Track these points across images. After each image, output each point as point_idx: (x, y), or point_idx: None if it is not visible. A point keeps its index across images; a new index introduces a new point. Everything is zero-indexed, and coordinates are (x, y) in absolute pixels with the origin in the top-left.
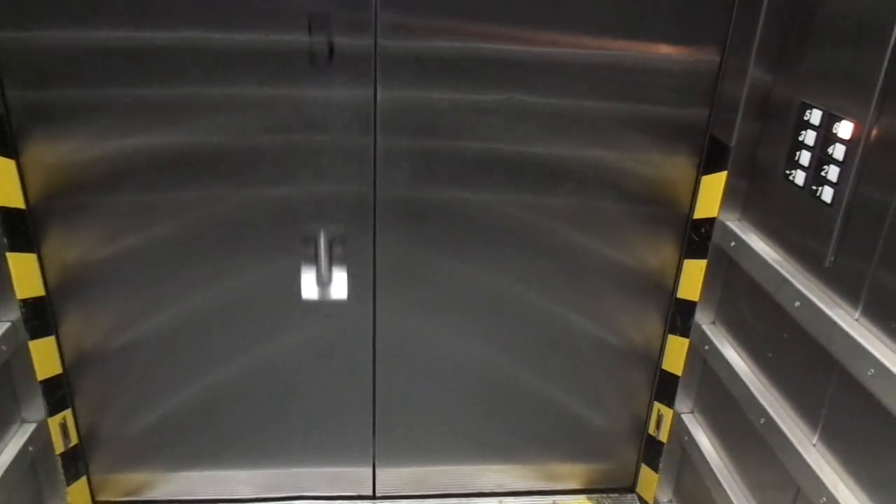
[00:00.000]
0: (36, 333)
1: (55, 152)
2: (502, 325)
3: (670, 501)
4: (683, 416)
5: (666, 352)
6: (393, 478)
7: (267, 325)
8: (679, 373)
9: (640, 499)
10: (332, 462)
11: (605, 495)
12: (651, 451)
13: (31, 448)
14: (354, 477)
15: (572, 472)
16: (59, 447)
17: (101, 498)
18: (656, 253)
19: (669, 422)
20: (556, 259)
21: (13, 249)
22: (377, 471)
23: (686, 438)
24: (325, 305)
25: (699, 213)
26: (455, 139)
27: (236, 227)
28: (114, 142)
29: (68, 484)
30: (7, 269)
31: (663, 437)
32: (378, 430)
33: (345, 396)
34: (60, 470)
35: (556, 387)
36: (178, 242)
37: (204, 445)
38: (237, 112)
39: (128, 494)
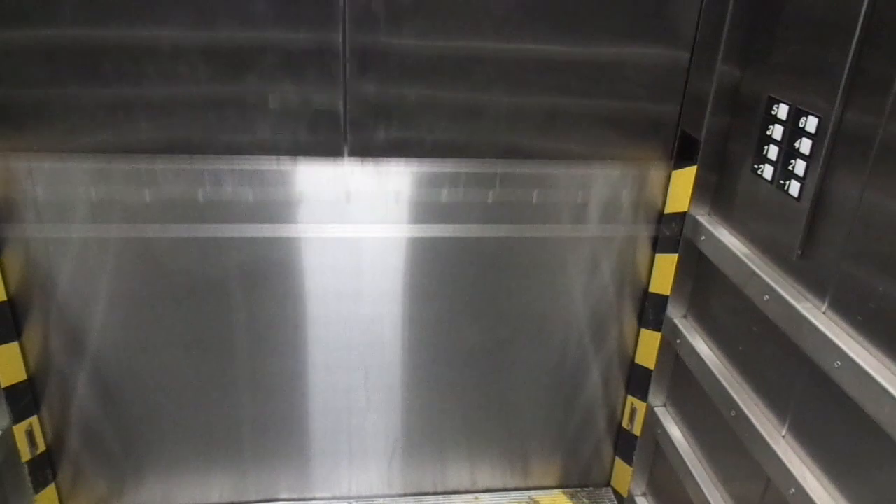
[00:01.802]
0: None
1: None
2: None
3: (644, 494)
4: (656, 410)
5: (639, 346)
6: (366, 477)
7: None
8: (652, 366)
9: (615, 492)
10: (306, 462)
11: (580, 489)
12: (625, 445)
13: None
14: (327, 476)
15: (548, 468)
16: (25, 455)
17: (73, 501)
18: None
19: (643, 415)
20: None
21: None
22: (350, 470)
23: (659, 431)
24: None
25: (670, 208)
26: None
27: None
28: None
29: (36, 492)
30: None
31: (637, 430)
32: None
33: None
34: (28, 478)
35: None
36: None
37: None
38: None
39: (98, 502)
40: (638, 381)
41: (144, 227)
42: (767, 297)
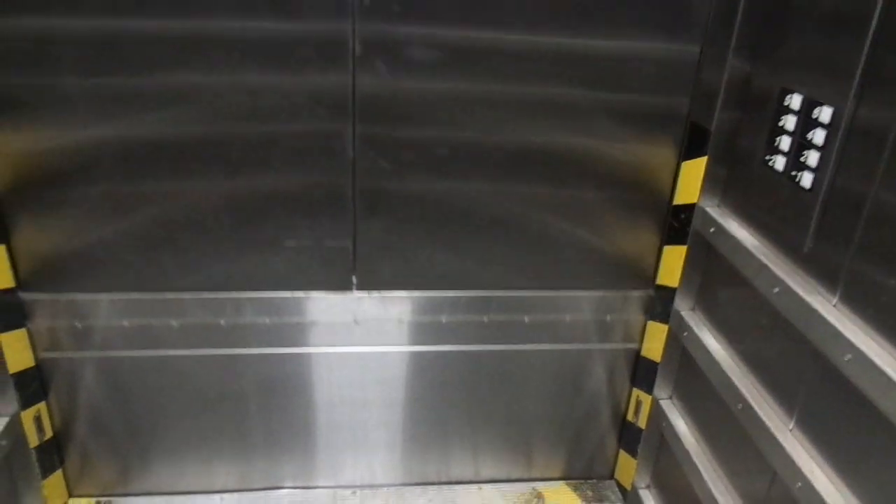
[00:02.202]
0: (6, 326)
1: (21, 141)
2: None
3: (648, 487)
4: (662, 403)
5: (645, 338)
6: (370, 466)
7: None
8: (658, 359)
9: (619, 485)
10: (311, 451)
11: (584, 481)
12: (629, 438)
13: (3, 442)
14: (332, 465)
15: (552, 460)
16: (33, 440)
17: (78, 492)
18: (637, 239)
19: (648, 408)
20: (536, 246)
21: None
22: (355, 459)
23: (664, 424)
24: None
25: (679, 199)
26: (431, 129)
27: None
28: (82, 132)
29: (44, 477)
30: None
31: (642, 423)
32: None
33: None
34: (35, 463)
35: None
36: (151, 233)
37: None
38: (211, 100)
39: (105, 488)
40: (644, 373)
41: (170, 349)
42: (777, 289)
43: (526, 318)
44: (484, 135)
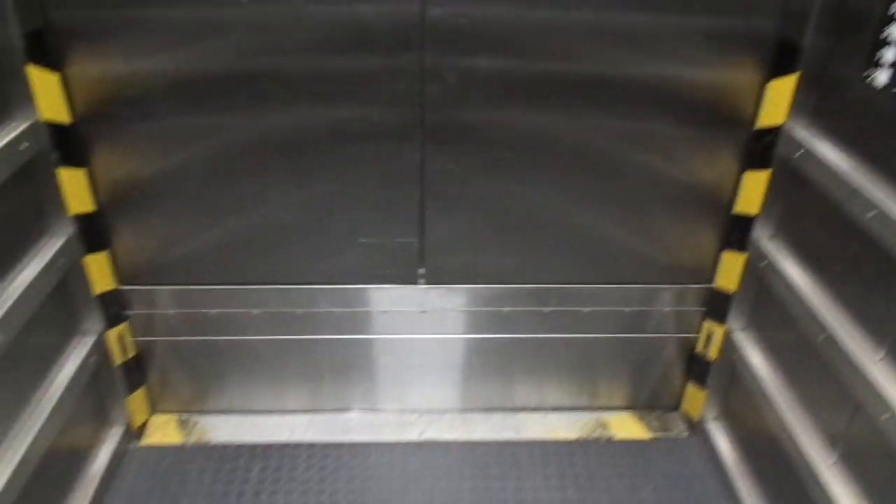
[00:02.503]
0: (90, 248)
1: (101, 66)
2: (548, 241)
3: (717, 419)
4: (735, 335)
5: (719, 268)
6: (434, 392)
7: (323, 245)
8: (733, 289)
9: (686, 416)
10: (378, 376)
11: (649, 412)
12: (698, 370)
13: (91, 360)
14: (398, 390)
15: (617, 390)
16: (117, 359)
17: (160, 409)
18: (713, 166)
19: (720, 340)
20: (606, 173)
21: (63, 164)
22: (421, 385)
23: (736, 357)
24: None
25: (763, 122)
26: (508, 57)
27: (288, 144)
28: (162, 56)
29: (128, 394)
30: (58, 184)
31: (712, 355)
32: (425, 278)
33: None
34: (120, 381)
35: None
36: (230, 157)
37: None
38: (286, 29)
39: (183, 404)
40: (717, 304)
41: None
42: (871, 214)
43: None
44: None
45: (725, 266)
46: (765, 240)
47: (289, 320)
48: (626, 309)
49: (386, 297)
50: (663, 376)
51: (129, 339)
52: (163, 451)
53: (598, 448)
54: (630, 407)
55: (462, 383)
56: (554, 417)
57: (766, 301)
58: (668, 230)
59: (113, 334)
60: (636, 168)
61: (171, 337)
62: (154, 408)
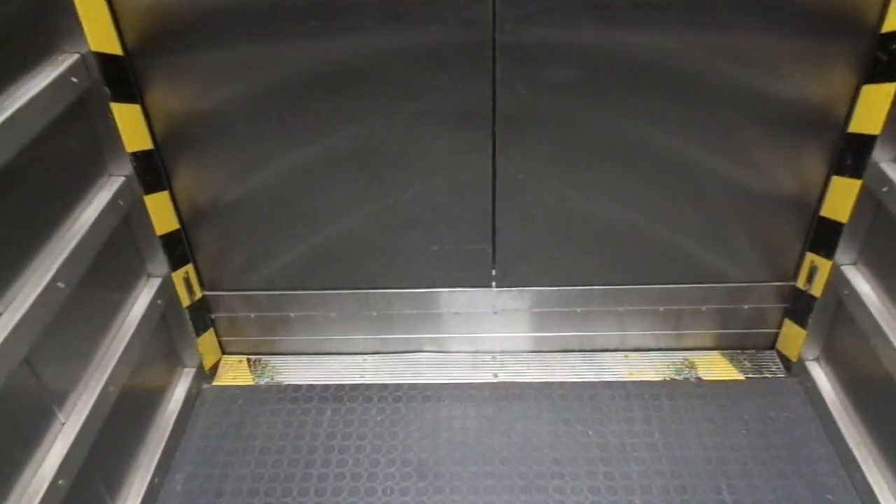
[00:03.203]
0: (150, 188)
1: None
2: (635, 169)
3: (817, 359)
4: (844, 268)
5: (828, 195)
6: (510, 332)
7: (383, 175)
8: (844, 219)
9: (781, 356)
10: (449, 316)
11: (741, 352)
12: (799, 307)
13: (159, 301)
14: (471, 330)
15: (706, 328)
16: (185, 300)
17: (230, 350)
18: (826, 81)
19: (826, 274)
20: (703, 90)
21: (117, 100)
22: (493, 325)
23: (846, 292)
24: (441, 157)
25: (889, 27)
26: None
27: (347, 75)
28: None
29: (198, 335)
30: (113, 121)
31: (816, 291)
32: (496, 281)
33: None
34: (189, 322)
35: (691, 234)
36: (287, 90)
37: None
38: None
39: (252, 346)
40: (823, 235)
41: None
42: None
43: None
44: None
45: (835, 193)
46: (885, 162)
47: (365, 322)
48: (716, 240)
49: (460, 299)
50: (756, 313)
51: (195, 282)
52: (235, 391)
53: (685, 389)
54: (719, 347)
55: (537, 327)
56: (637, 357)
57: (884, 231)
58: (771, 150)
59: (179, 276)
60: (735, 82)
61: (237, 266)
62: (225, 349)
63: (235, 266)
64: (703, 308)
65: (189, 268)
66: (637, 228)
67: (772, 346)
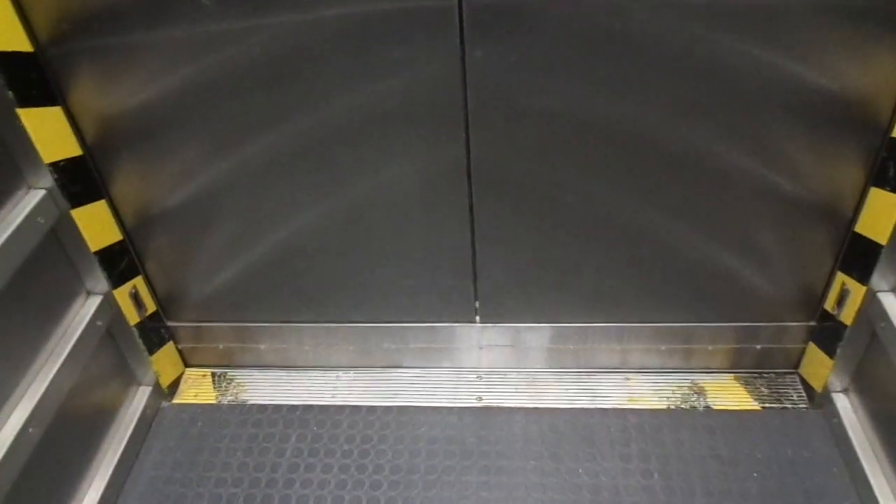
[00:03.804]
0: (80, 199)
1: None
2: (640, 161)
3: (846, 391)
4: (881, 296)
5: (864, 209)
6: (497, 347)
7: (342, 165)
8: (882, 240)
9: (804, 382)
10: (433, 328)
11: (757, 375)
12: (826, 332)
13: (99, 322)
14: (456, 343)
15: (717, 348)
16: (132, 317)
17: (194, 362)
18: (866, 76)
19: (859, 300)
20: (726, 79)
21: (26, 104)
22: (481, 339)
23: (882, 325)
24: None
25: None
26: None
27: (301, 56)
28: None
29: (151, 353)
30: (21, 128)
31: (846, 317)
32: (479, 290)
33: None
34: (139, 340)
35: (703, 241)
36: (231, 75)
37: (299, 304)
38: None
39: (220, 359)
40: (858, 255)
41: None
42: None
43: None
44: None
45: (873, 207)
46: None
47: (340, 354)
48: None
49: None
50: (778, 332)
51: (147, 295)
52: (196, 410)
53: (691, 420)
54: (733, 367)
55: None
56: (638, 381)
57: None
58: (799, 152)
59: (124, 291)
60: (765, 73)
61: (196, 278)
62: (188, 361)
63: (193, 276)
64: (717, 325)
65: (138, 280)
66: (650, 226)
67: (794, 368)
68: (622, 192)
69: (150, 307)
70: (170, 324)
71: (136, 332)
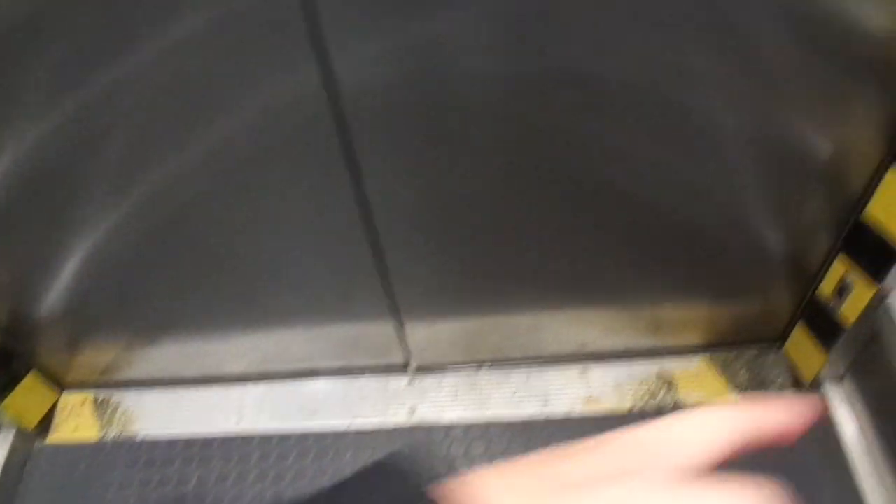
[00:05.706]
0: None
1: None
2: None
3: (839, 381)
4: (893, 300)
5: (878, 192)
6: (431, 338)
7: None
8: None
9: (790, 363)
10: (348, 328)
11: (735, 354)
12: (819, 322)
13: None
14: (381, 341)
15: (686, 325)
16: None
17: (70, 382)
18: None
19: (864, 301)
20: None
21: None
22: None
23: (890, 330)
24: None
25: None
26: None
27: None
28: None
29: (3, 392)
30: None
31: (847, 315)
32: (393, 281)
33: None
34: None
35: (677, 200)
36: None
37: (185, 311)
38: None
39: (99, 378)
40: (862, 244)
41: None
42: None
43: None
44: None
45: (889, 189)
46: None
47: (244, 364)
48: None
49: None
50: (762, 310)
51: None
52: (76, 452)
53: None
54: (708, 345)
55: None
56: (596, 373)
57: None
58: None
59: None
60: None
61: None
62: (64, 383)
63: (46, 280)
64: (685, 305)
65: None
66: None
67: (779, 344)
68: (576, 137)
69: None
70: (27, 347)
71: None
